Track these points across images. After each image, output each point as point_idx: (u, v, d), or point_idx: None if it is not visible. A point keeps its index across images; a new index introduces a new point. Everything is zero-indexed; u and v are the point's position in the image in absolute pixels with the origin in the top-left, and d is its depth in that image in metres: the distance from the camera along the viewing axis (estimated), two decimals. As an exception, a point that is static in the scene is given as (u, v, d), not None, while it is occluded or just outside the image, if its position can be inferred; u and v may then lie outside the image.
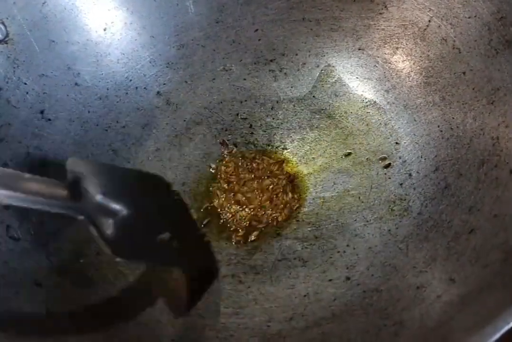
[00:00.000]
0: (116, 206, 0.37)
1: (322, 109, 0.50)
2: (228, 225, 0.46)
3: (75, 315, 0.39)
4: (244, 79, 0.51)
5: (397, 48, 0.48)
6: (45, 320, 0.38)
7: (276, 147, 0.50)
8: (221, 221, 0.47)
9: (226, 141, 0.49)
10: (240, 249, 0.45)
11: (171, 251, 0.41)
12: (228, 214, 0.47)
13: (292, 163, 0.49)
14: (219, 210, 0.47)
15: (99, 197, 0.37)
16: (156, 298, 0.42)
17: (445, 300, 0.36)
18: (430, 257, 0.40)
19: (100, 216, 0.36)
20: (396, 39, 0.48)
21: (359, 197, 0.46)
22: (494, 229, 0.37)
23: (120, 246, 0.36)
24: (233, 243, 0.45)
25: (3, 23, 0.43)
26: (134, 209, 0.38)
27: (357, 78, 0.50)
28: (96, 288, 0.42)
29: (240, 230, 0.46)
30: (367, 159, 0.47)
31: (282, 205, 0.47)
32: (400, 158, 0.47)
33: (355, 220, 0.45)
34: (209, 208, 0.47)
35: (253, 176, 0.48)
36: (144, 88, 0.50)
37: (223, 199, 0.47)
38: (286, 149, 0.49)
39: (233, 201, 0.47)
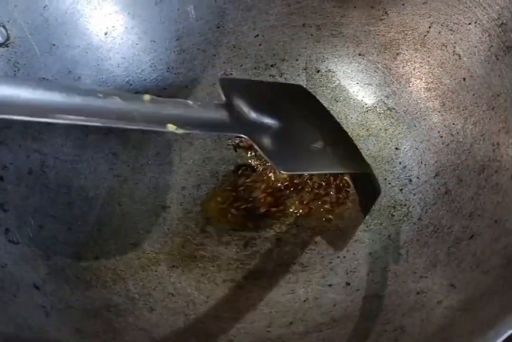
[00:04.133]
0: (269, 121, 0.38)
1: (323, 114, 0.50)
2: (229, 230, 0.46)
3: (74, 319, 0.39)
4: (245, 84, 0.51)
5: (397, 54, 0.48)
6: (43, 323, 0.38)
7: (276, 152, 0.50)
8: (221, 225, 0.47)
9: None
10: (240, 254, 0.45)
11: (328, 158, 0.41)
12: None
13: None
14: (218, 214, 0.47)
15: (252, 114, 0.38)
16: (155, 302, 0.42)
17: (446, 306, 0.36)
18: (431, 263, 0.40)
19: (256, 133, 0.37)
20: (397, 45, 0.48)
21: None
22: (495, 234, 0.37)
23: (282, 159, 0.37)
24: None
25: (4, 27, 0.43)
26: (286, 122, 0.39)
27: (357, 83, 0.50)
28: (95, 291, 0.41)
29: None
30: (367, 164, 0.48)
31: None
32: (400, 163, 0.47)
33: (355, 225, 0.45)
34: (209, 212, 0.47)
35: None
36: (145, 92, 0.49)
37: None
38: (286, 154, 0.49)
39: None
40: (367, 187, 0.44)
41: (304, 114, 0.43)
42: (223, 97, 0.37)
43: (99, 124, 0.32)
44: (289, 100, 0.44)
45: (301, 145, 0.40)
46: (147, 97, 0.35)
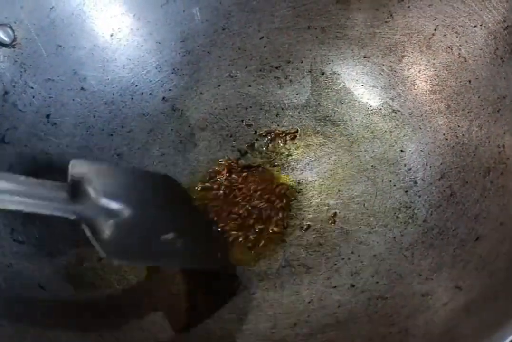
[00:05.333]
0: (118, 207, 0.37)
1: (327, 116, 0.50)
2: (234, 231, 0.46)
3: (78, 319, 0.39)
4: (250, 86, 0.51)
5: (402, 56, 0.48)
6: (49, 323, 0.38)
7: (281, 154, 0.50)
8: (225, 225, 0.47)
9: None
10: (244, 255, 0.45)
11: (175, 252, 0.40)
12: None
13: (297, 170, 0.49)
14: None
15: (100, 198, 0.36)
16: (159, 303, 0.42)
17: (451, 308, 0.36)
18: (436, 265, 0.40)
19: (100, 217, 0.36)
20: (402, 48, 0.48)
21: (364, 204, 0.46)
22: (500, 237, 0.37)
23: (119, 248, 0.36)
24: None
25: (10, 28, 0.43)
26: (137, 209, 0.38)
27: (362, 85, 0.50)
28: (99, 292, 0.41)
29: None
30: (372, 166, 0.47)
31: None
32: (405, 165, 0.47)
33: (360, 227, 0.45)
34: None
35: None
36: (150, 93, 0.50)
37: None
38: (291, 155, 0.49)
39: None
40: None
41: (161, 204, 0.42)
42: (69, 178, 0.36)
43: None
44: (149, 188, 0.42)
45: (149, 235, 0.39)
46: None
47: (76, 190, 0.36)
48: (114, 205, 0.37)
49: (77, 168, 0.37)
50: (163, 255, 0.39)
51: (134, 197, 0.39)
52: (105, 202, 0.36)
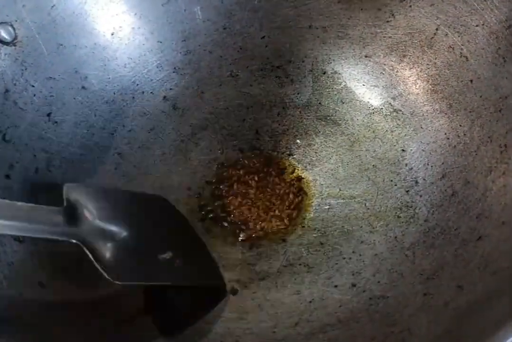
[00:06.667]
0: (114, 229, 0.38)
1: (328, 116, 0.50)
2: (235, 230, 0.46)
3: (78, 318, 0.39)
4: (251, 85, 0.51)
5: (404, 55, 0.48)
6: (49, 321, 0.37)
7: (282, 153, 0.50)
8: (226, 225, 0.46)
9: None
10: (246, 254, 0.45)
11: (174, 270, 0.40)
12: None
13: (298, 169, 0.49)
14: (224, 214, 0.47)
15: (96, 221, 0.37)
16: (159, 302, 0.42)
17: (453, 307, 0.36)
18: (437, 264, 0.40)
19: (98, 240, 0.37)
20: (403, 47, 0.48)
21: (365, 204, 0.46)
22: (502, 236, 0.37)
23: (119, 269, 0.37)
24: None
25: (12, 26, 0.43)
26: (134, 231, 0.39)
27: (363, 85, 0.50)
28: (99, 291, 0.41)
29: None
30: (373, 165, 0.47)
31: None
32: (406, 165, 0.47)
33: (361, 226, 0.45)
34: (214, 212, 0.47)
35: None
36: (151, 92, 0.50)
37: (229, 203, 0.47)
38: (292, 155, 0.49)
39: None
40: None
41: (156, 224, 0.43)
42: (64, 202, 0.37)
43: None
44: (142, 209, 0.43)
45: (147, 255, 0.39)
46: None
47: (72, 214, 0.36)
48: (110, 227, 0.38)
49: (71, 192, 0.38)
50: (164, 274, 0.40)
51: (128, 218, 0.40)
52: (101, 224, 0.37)
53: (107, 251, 0.37)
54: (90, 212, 0.37)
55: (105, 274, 0.35)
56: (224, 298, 0.42)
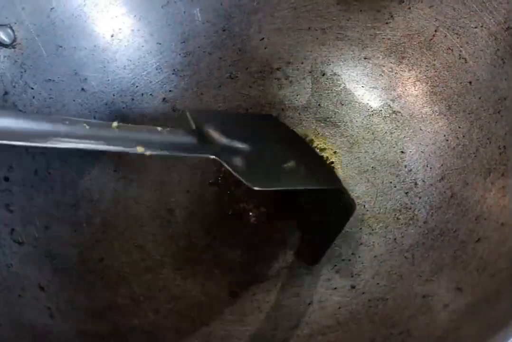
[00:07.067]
0: (239, 146, 0.41)
1: (328, 118, 0.50)
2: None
3: (78, 320, 0.39)
4: (250, 87, 0.51)
5: (403, 57, 0.48)
6: (48, 324, 0.37)
7: (281, 155, 0.50)
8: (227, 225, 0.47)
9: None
10: (245, 256, 0.45)
11: (301, 176, 0.43)
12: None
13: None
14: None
15: (222, 139, 0.40)
16: (160, 304, 0.42)
17: (452, 309, 0.36)
18: (436, 266, 0.40)
19: (227, 154, 0.40)
20: (402, 49, 0.48)
21: (364, 206, 0.46)
22: (501, 238, 0.37)
23: (254, 177, 0.39)
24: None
25: (11, 28, 0.43)
26: (256, 146, 0.42)
27: (362, 87, 0.50)
28: (100, 293, 0.41)
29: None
30: (372, 167, 0.47)
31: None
32: (405, 167, 0.47)
33: (360, 228, 0.45)
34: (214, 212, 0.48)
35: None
36: (150, 94, 0.50)
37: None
38: (291, 157, 0.49)
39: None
40: (338, 206, 0.44)
41: (275, 138, 0.46)
42: (193, 125, 0.40)
43: (67, 146, 0.36)
44: (260, 127, 0.47)
45: (273, 165, 0.42)
46: (114, 124, 0.38)
47: (201, 135, 0.40)
48: (235, 144, 0.41)
49: (195, 116, 0.41)
50: (293, 180, 0.42)
51: (249, 136, 0.43)
52: (228, 141, 0.40)
53: (237, 163, 0.39)
54: (215, 132, 0.40)
55: (244, 181, 0.38)
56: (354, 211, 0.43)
